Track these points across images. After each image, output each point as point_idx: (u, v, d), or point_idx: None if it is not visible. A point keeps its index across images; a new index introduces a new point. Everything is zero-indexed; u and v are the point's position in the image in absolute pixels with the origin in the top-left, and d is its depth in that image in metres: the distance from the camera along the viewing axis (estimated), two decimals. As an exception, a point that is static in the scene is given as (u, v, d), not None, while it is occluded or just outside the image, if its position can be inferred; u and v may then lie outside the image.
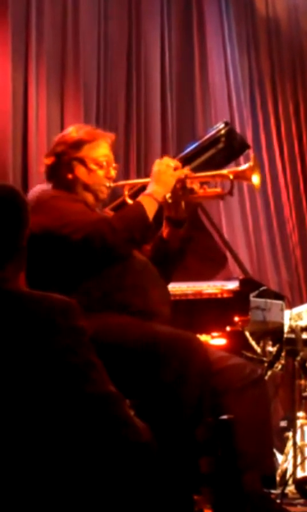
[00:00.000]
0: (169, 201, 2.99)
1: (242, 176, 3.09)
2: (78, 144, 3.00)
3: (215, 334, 3.86)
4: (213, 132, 4.16)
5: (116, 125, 6.22)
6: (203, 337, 3.76)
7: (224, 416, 2.70)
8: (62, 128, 5.67)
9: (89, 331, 1.82)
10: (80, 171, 2.99)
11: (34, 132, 5.33)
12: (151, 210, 2.90)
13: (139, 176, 5.75)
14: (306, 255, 7.58)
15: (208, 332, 3.82)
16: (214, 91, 7.17)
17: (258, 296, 3.98)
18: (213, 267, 4.43)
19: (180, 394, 2.52)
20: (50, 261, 2.82)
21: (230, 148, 4.15)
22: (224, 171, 3.14)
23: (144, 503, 1.81)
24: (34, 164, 5.28)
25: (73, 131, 3.06)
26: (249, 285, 4.02)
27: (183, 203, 3.05)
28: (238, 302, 3.89)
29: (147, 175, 3.10)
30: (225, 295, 3.95)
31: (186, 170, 3.04)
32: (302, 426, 4.49)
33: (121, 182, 3.19)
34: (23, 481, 1.68)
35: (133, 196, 3.12)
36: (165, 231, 3.09)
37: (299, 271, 7.48)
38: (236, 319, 3.84)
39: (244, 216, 7.20)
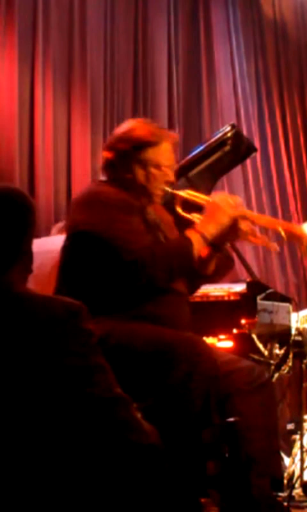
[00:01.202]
0: (210, 240, 2.89)
1: (295, 238, 3.03)
2: (141, 146, 2.90)
3: (222, 336, 3.86)
4: (219, 134, 4.16)
5: (122, 127, 6.22)
6: (210, 340, 3.76)
7: (231, 419, 2.70)
8: (68, 130, 5.69)
9: (98, 333, 1.82)
10: (139, 173, 2.90)
11: (40, 135, 5.34)
12: (198, 249, 2.83)
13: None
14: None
15: (215, 334, 3.82)
16: (221, 98, 7.17)
17: (265, 298, 3.97)
18: (220, 270, 4.42)
19: (187, 397, 2.52)
20: (86, 261, 2.80)
21: (237, 150, 4.15)
22: (279, 226, 3.02)
23: (151, 505, 1.81)
24: (40, 167, 5.29)
25: (138, 128, 2.95)
26: (256, 287, 4.02)
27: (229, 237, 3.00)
28: (245, 304, 3.89)
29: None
30: (232, 297, 3.95)
31: (243, 212, 2.96)
32: (309, 429, 4.48)
33: (180, 193, 3.04)
34: (30, 484, 1.68)
35: (184, 204, 3.05)
36: (204, 252, 3.03)
37: (305, 269, 7.47)
38: (243, 321, 3.84)
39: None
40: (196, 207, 2.97)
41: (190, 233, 2.85)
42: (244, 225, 2.94)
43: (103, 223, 2.75)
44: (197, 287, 3.18)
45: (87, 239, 2.77)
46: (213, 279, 3.18)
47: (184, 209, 3.00)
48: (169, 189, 2.97)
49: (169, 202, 3.10)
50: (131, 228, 2.78)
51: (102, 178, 3.03)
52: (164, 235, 2.99)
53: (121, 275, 2.72)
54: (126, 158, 2.91)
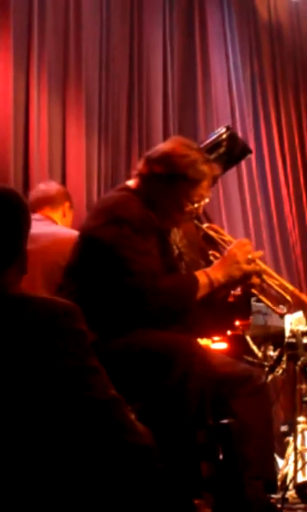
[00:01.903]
0: (215, 288, 2.88)
1: (302, 306, 3.02)
2: (179, 177, 2.83)
3: (216, 338, 3.87)
4: (214, 136, 4.16)
5: (117, 132, 6.23)
6: (204, 341, 3.76)
7: (225, 421, 2.70)
8: (63, 133, 5.69)
9: (91, 335, 1.82)
10: (169, 200, 2.86)
11: (35, 137, 5.34)
12: (202, 293, 2.81)
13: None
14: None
15: (209, 336, 3.83)
16: (216, 96, 7.18)
17: (259, 300, 3.98)
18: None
19: (181, 398, 2.52)
20: (91, 268, 2.78)
21: (232, 152, 4.16)
22: (289, 289, 3.00)
23: (145, 507, 1.81)
24: (35, 169, 5.29)
25: (182, 156, 2.85)
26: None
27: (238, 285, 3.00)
28: (239, 306, 3.89)
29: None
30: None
31: (258, 267, 2.93)
32: (302, 431, 4.49)
33: (204, 227, 3.03)
34: (22, 486, 1.68)
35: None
36: None
37: (299, 271, 7.48)
38: (237, 323, 3.85)
39: (244, 216, 7.19)
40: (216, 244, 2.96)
41: (199, 274, 2.82)
42: (255, 280, 2.93)
43: (113, 237, 2.72)
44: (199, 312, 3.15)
45: (96, 247, 2.75)
46: (218, 306, 3.16)
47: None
48: (198, 224, 2.95)
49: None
50: (140, 249, 2.73)
51: (130, 183, 2.97)
52: (184, 257, 2.97)
53: (118, 294, 2.70)
54: (160, 181, 2.85)
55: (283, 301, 3.01)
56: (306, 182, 7.79)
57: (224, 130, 4.15)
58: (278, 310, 3.00)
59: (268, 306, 3.08)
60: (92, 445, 1.72)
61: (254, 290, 2.97)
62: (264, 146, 7.60)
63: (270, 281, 3.00)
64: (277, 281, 3.01)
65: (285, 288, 3.01)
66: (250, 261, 2.89)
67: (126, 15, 6.52)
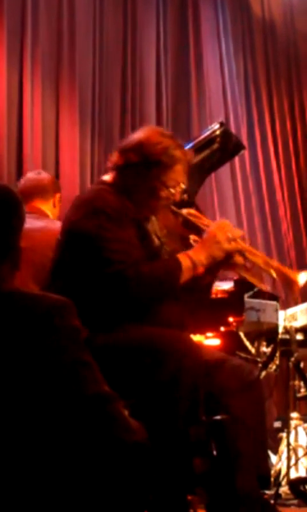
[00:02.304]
0: (199, 270, 2.86)
1: (287, 282, 2.99)
2: (154, 164, 2.85)
3: (209, 334, 3.87)
4: (208, 132, 4.16)
5: (110, 126, 6.23)
6: (198, 337, 3.76)
7: (218, 417, 2.70)
8: (57, 128, 5.68)
9: (84, 331, 1.82)
10: (144, 188, 2.87)
11: (29, 133, 5.33)
12: (186, 276, 2.80)
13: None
14: (300, 252, 7.59)
15: (202, 332, 3.83)
16: (209, 91, 7.18)
17: (253, 296, 3.99)
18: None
19: (173, 394, 2.52)
20: (75, 263, 2.78)
21: (225, 148, 4.16)
22: (273, 265, 3.00)
23: (138, 503, 1.81)
24: (29, 166, 5.28)
25: (154, 143, 2.88)
26: (243, 285, 4.03)
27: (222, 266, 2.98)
28: (232, 302, 3.90)
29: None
30: (219, 295, 3.95)
31: (240, 246, 2.93)
32: (296, 427, 4.50)
33: (183, 213, 3.02)
34: (15, 481, 1.68)
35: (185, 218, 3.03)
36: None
37: (292, 260, 7.48)
38: (230, 319, 3.85)
39: (238, 215, 7.20)
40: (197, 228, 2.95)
41: (182, 257, 2.82)
42: (238, 259, 2.93)
43: (92, 228, 2.73)
44: (190, 298, 3.14)
45: (77, 240, 2.77)
46: (204, 293, 3.16)
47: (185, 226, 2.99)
48: (174, 209, 2.95)
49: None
50: (119, 238, 2.74)
51: (106, 177, 2.98)
52: (164, 246, 2.97)
53: (102, 285, 2.70)
54: (135, 169, 2.87)
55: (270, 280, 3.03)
56: (297, 170, 7.80)
57: (217, 126, 4.15)
58: (263, 287, 3.01)
59: (253, 283, 3.08)
60: (85, 441, 1.72)
61: (238, 270, 2.97)
62: (256, 135, 7.60)
63: (253, 258, 3.00)
64: (260, 258, 3.02)
65: (269, 265, 3.01)
66: (231, 240, 2.88)
67: (119, 11, 6.52)
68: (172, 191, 2.89)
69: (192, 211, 3.05)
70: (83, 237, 2.74)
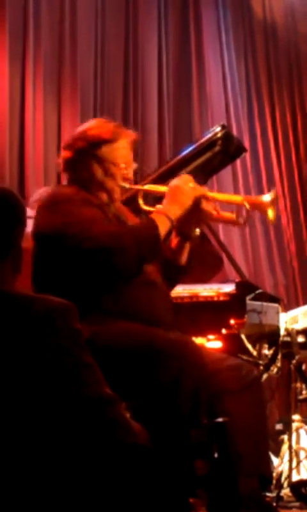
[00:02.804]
0: (175, 223, 2.89)
1: (257, 207, 3.03)
2: (98, 144, 2.94)
3: (211, 337, 3.86)
4: (210, 135, 4.16)
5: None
6: (199, 340, 3.76)
7: (220, 419, 2.70)
8: (59, 130, 5.69)
9: (86, 333, 1.82)
10: (97, 170, 2.93)
11: (31, 135, 5.34)
12: (164, 229, 2.82)
13: (136, 182, 5.76)
14: (301, 256, 7.59)
15: (204, 335, 3.82)
16: (211, 97, 7.18)
17: (254, 298, 3.98)
18: (209, 270, 4.43)
19: (175, 397, 2.52)
20: (54, 263, 2.80)
21: (227, 151, 4.16)
22: (240, 198, 3.04)
23: (139, 505, 1.81)
24: (30, 167, 5.29)
25: (94, 127, 3.00)
26: (245, 287, 4.02)
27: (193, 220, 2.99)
28: (234, 305, 3.89)
29: (143, 179, 3.07)
30: (221, 298, 3.95)
31: (203, 190, 2.96)
32: (297, 429, 4.49)
33: (138, 186, 3.11)
34: (16, 483, 1.68)
35: (146, 199, 3.07)
36: (173, 241, 3.06)
37: (294, 269, 7.49)
38: (232, 321, 3.84)
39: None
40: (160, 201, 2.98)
41: (154, 216, 2.86)
42: (206, 205, 2.94)
43: (59, 219, 2.76)
44: (174, 280, 3.15)
45: (48, 239, 2.78)
46: (187, 273, 3.17)
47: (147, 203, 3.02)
48: (126, 185, 2.99)
49: (132, 202, 3.14)
50: (88, 217, 2.77)
51: (64, 183, 3.05)
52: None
53: (84, 264, 2.71)
54: (84, 155, 2.93)
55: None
56: (300, 179, 7.81)
57: (219, 128, 4.15)
58: (239, 221, 3.03)
59: (229, 222, 3.11)
60: (86, 443, 1.72)
61: (210, 218, 3.00)
62: (259, 142, 7.61)
63: (220, 197, 3.06)
64: (225, 196, 3.11)
65: (236, 198, 3.09)
66: (193, 188, 2.92)
67: (121, 13, 6.53)
68: (123, 168, 2.95)
69: (148, 184, 3.11)
70: (54, 231, 2.76)
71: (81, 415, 1.72)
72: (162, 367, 2.54)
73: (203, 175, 4.18)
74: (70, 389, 1.71)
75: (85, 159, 2.94)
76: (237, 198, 3.10)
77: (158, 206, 2.93)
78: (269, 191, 2.94)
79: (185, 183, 2.93)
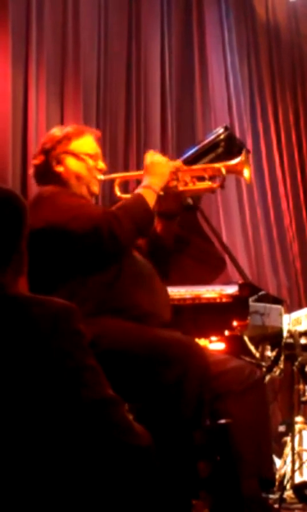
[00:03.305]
0: (161, 193, 2.98)
1: (233, 170, 3.10)
2: (66, 139, 3.04)
3: (213, 338, 3.86)
4: (212, 136, 4.16)
5: (115, 130, 6.23)
6: (202, 341, 3.76)
7: (222, 421, 2.70)
8: (62, 132, 5.68)
9: (89, 335, 1.82)
10: (71, 162, 3.02)
11: (33, 135, 5.34)
12: (151, 201, 2.91)
13: (138, 183, 5.77)
14: (305, 258, 7.58)
15: (206, 336, 3.82)
16: (214, 98, 7.18)
17: (257, 300, 3.97)
18: (212, 272, 4.42)
19: (178, 398, 2.52)
20: (52, 261, 2.81)
21: (230, 152, 4.15)
22: (216, 165, 3.14)
23: (142, 507, 1.81)
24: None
25: (57, 130, 3.11)
26: (248, 289, 4.02)
27: (173, 197, 3.06)
28: (237, 306, 3.89)
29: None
30: (224, 299, 3.95)
31: (178, 163, 3.07)
32: (300, 431, 4.49)
33: (112, 176, 3.19)
34: (18, 484, 1.68)
35: (124, 191, 3.14)
36: (158, 226, 3.10)
37: (297, 270, 7.48)
38: (235, 323, 3.84)
39: (243, 221, 7.20)
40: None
41: (138, 190, 2.95)
42: (181, 176, 3.04)
43: (53, 212, 2.82)
44: (166, 266, 3.18)
45: (46, 235, 2.80)
46: (198, 277, 3.21)
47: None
48: (102, 176, 3.07)
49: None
50: (80, 204, 2.87)
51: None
52: None
53: (91, 245, 2.77)
54: (55, 153, 3.02)
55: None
56: (303, 180, 7.81)
57: (222, 130, 4.14)
58: (215, 185, 3.08)
59: (207, 191, 3.16)
60: (89, 445, 1.72)
61: (184, 187, 3.06)
62: (261, 142, 7.61)
63: (196, 167, 3.15)
64: (197, 166, 3.19)
65: (212, 167, 3.14)
66: (167, 160, 3.04)
67: (124, 15, 6.52)
68: (93, 158, 3.04)
69: (120, 174, 3.26)
70: (48, 225, 2.80)
71: (84, 417, 1.72)
72: (165, 369, 2.54)
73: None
74: (72, 391, 1.71)
75: (56, 155, 3.02)
76: (211, 165, 3.18)
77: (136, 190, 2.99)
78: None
79: (158, 157, 3.04)
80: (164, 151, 6.51)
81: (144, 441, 1.82)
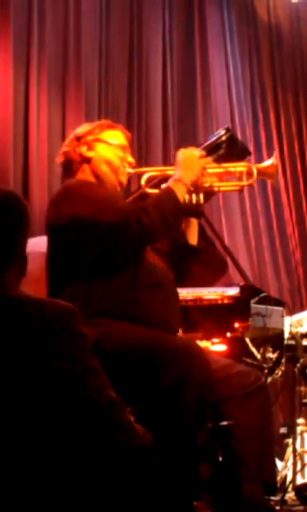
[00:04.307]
0: (191, 188, 2.97)
1: (263, 172, 3.07)
2: (99, 128, 3.06)
3: (215, 340, 3.86)
4: (214, 138, 4.15)
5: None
6: (203, 343, 3.76)
7: (224, 422, 2.70)
8: (63, 134, 5.69)
9: (92, 337, 1.82)
10: (102, 148, 3.02)
11: (35, 138, 5.34)
12: (181, 194, 2.89)
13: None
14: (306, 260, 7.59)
15: (208, 338, 3.82)
16: (216, 101, 7.19)
17: (259, 302, 3.97)
18: (214, 274, 4.42)
19: (180, 401, 2.52)
20: (73, 256, 2.81)
21: (231, 154, 4.15)
22: (246, 164, 3.10)
23: (144, 508, 1.81)
24: (35, 170, 5.29)
25: (89, 123, 3.16)
26: (249, 291, 4.02)
27: (201, 194, 3.04)
28: (238, 308, 3.89)
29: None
30: (225, 301, 3.95)
31: (208, 159, 3.06)
32: (302, 433, 4.49)
33: (142, 169, 3.17)
34: (22, 487, 1.68)
35: (153, 187, 3.11)
36: (183, 224, 3.10)
37: (299, 276, 7.48)
38: (236, 325, 3.84)
39: (244, 221, 7.20)
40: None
41: (168, 183, 2.93)
42: (211, 172, 3.03)
43: (82, 203, 2.80)
44: (187, 264, 3.18)
45: (74, 225, 2.80)
46: (204, 256, 3.20)
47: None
48: (131, 170, 3.06)
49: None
50: (109, 197, 2.86)
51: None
52: None
53: (120, 235, 2.76)
54: (87, 139, 3.03)
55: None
56: (305, 187, 7.81)
57: (223, 132, 4.14)
58: (246, 183, 3.06)
59: (234, 189, 3.12)
60: (91, 446, 1.72)
61: (214, 184, 3.04)
62: (263, 149, 7.61)
63: (226, 165, 3.13)
64: (232, 163, 3.17)
65: (243, 165, 3.12)
66: (200, 156, 3.02)
67: (125, 16, 6.53)
68: (124, 150, 3.04)
69: (151, 168, 3.21)
70: (79, 215, 2.79)
71: (86, 418, 1.72)
72: (166, 371, 2.54)
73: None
74: (74, 393, 1.71)
75: (88, 141, 3.03)
76: (243, 164, 3.15)
77: (162, 186, 2.98)
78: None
79: (191, 153, 3.02)
80: (165, 155, 6.52)
81: (145, 442, 1.83)
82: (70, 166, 3.07)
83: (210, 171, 3.04)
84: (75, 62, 5.84)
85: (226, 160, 4.22)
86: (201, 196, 3.04)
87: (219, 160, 4.07)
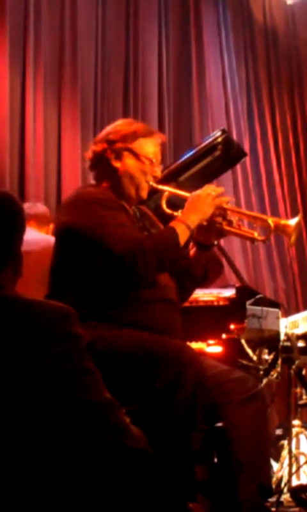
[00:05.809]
0: (204, 223, 2.94)
1: (281, 229, 3.03)
2: (133, 136, 2.99)
3: (211, 341, 3.86)
4: (210, 139, 4.16)
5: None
6: (199, 345, 3.76)
7: (219, 424, 2.70)
8: (59, 135, 5.69)
9: (87, 338, 1.82)
10: (129, 161, 2.97)
11: (31, 139, 5.34)
12: (183, 238, 2.86)
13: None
14: (302, 261, 7.59)
15: (204, 339, 3.82)
16: (211, 101, 7.19)
17: (254, 303, 3.98)
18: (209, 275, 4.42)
19: (172, 402, 2.52)
20: (75, 263, 2.81)
21: (227, 155, 4.16)
22: (266, 218, 3.04)
23: (139, 510, 1.81)
24: (31, 171, 5.29)
25: (127, 123, 3.07)
26: (245, 292, 4.02)
27: (215, 232, 3.01)
28: (234, 310, 3.89)
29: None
30: (221, 302, 3.95)
31: (228, 198, 3.01)
32: (297, 434, 4.49)
33: (163, 187, 3.09)
34: (17, 488, 1.68)
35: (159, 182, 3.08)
36: (191, 251, 3.07)
37: (295, 278, 7.49)
38: (232, 326, 3.84)
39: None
40: (180, 206, 2.99)
41: (173, 224, 2.89)
42: (230, 214, 2.98)
43: (89, 220, 2.79)
44: (189, 291, 3.18)
45: (75, 238, 2.80)
46: (204, 283, 3.19)
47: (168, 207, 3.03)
48: (153, 183, 3.00)
49: (155, 208, 3.15)
50: (117, 222, 2.81)
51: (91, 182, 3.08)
52: (148, 230, 3.02)
53: (112, 267, 2.74)
54: (117, 146, 2.97)
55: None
56: (300, 181, 7.82)
57: (219, 133, 4.15)
58: (259, 238, 3.03)
59: (248, 238, 3.10)
60: (86, 448, 1.72)
61: (228, 227, 2.99)
62: (259, 145, 7.62)
63: (243, 211, 3.12)
64: (249, 212, 3.16)
65: (262, 219, 3.07)
66: (214, 197, 2.95)
67: (121, 16, 6.53)
68: (152, 164, 2.99)
69: (171, 189, 3.11)
70: (81, 230, 2.78)
71: (81, 420, 1.71)
72: (159, 373, 2.54)
73: (203, 180, 4.18)
74: (69, 394, 1.71)
75: (118, 149, 2.97)
76: (262, 216, 3.11)
77: (180, 211, 2.95)
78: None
79: (207, 193, 2.95)
80: (161, 155, 6.51)
81: (140, 444, 1.82)
82: (96, 166, 3.04)
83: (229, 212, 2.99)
84: (71, 64, 5.84)
85: (223, 163, 4.22)
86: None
87: (215, 162, 4.08)
